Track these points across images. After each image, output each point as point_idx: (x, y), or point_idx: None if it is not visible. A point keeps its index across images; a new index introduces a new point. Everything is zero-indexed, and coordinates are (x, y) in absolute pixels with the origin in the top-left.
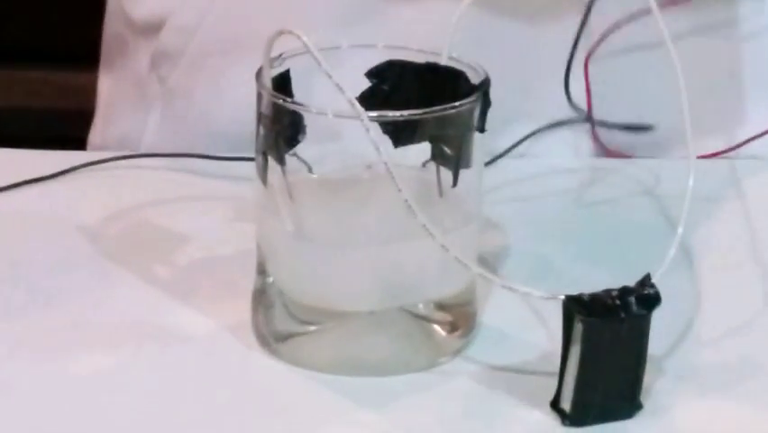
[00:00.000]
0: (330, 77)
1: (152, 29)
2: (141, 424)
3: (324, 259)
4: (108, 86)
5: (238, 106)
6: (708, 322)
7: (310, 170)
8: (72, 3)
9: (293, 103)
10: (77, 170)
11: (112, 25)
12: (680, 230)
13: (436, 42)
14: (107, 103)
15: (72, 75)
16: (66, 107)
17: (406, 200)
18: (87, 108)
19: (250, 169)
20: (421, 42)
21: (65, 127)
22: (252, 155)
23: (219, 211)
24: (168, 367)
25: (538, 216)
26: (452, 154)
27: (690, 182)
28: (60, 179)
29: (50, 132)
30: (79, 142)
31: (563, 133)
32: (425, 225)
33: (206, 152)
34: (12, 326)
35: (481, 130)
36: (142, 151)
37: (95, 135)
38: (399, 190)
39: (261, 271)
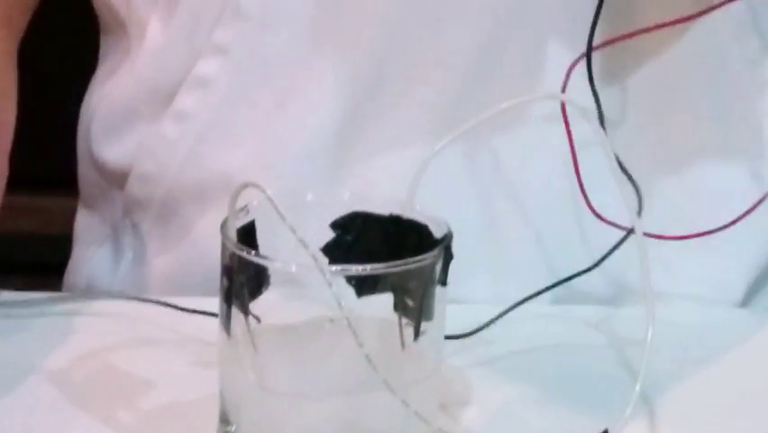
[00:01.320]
0: (293, 232)
1: (121, 177)
2: None
3: (287, 410)
4: (84, 225)
5: (212, 254)
6: None
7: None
8: (54, 130)
9: (257, 256)
10: (44, 312)
11: (84, 169)
12: (637, 387)
13: (401, 194)
14: (83, 242)
15: (54, 200)
16: (48, 232)
17: (367, 355)
18: (69, 233)
19: (215, 313)
20: (387, 192)
21: (47, 253)
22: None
23: (184, 355)
24: None
25: (500, 364)
26: (413, 306)
27: (649, 336)
28: (26, 320)
29: (34, 257)
30: (61, 268)
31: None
32: (385, 380)
33: (180, 297)
34: None
35: (443, 283)
36: (112, 292)
37: (70, 276)
38: (360, 346)
39: (224, 419)
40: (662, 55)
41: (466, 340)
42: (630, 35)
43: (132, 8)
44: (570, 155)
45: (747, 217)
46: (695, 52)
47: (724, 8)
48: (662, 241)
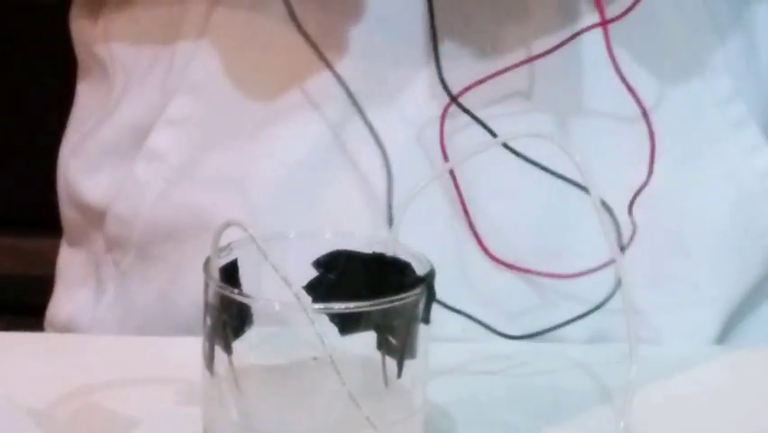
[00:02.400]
0: (276, 270)
1: (100, 216)
2: None
3: None
4: (67, 263)
5: (193, 291)
6: None
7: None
8: (34, 170)
9: (240, 294)
10: (25, 351)
11: (67, 211)
12: (622, 424)
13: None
14: (65, 279)
15: (38, 241)
16: (32, 273)
17: (350, 393)
18: (52, 274)
19: (198, 351)
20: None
21: (29, 293)
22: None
23: (167, 394)
24: None
25: (483, 403)
26: (397, 344)
27: (632, 373)
28: (7, 359)
29: (16, 298)
30: (43, 309)
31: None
32: (368, 419)
33: (162, 336)
34: None
35: (426, 321)
36: (92, 330)
37: (52, 312)
38: (344, 384)
39: None
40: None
41: (449, 377)
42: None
43: (114, 55)
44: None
45: (718, 263)
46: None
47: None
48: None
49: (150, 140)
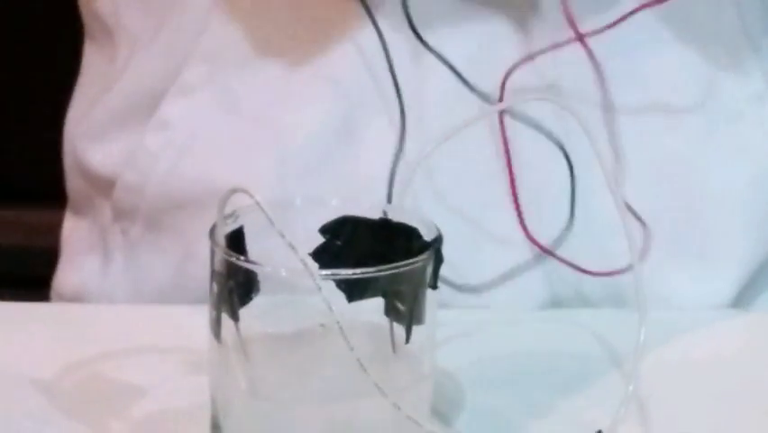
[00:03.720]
0: (283, 236)
1: (107, 185)
2: None
3: (278, 417)
4: (72, 232)
5: (203, 261)
6: None
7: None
8: (41, 142)
9: (246, 261)
10: (32, 321)
11: (73, 179)
12: (630, 387)
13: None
14: (71, 249)
15: (40, 213)
16: (35, 245)
17: (359, 359)
18: (55, 247)
19: (205, 319)
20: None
21: (32, 266)
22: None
23: (174, 363)
24: None
25: (492, 368)
26: (404, 310)
27: (641, 338)
28: (13, 330)
29: (18, 270)
30: (46, 282)
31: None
32: (376, 384)
33: (170, 304)
34: None
35: (434, 287)
36: (101, 299)
37: (58, 282)
38: (351, 349)
39: (215, 425)
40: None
41: (457, 343)
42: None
43: (119, 18)
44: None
45: (734, 236)
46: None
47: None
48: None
49: (162, 109)
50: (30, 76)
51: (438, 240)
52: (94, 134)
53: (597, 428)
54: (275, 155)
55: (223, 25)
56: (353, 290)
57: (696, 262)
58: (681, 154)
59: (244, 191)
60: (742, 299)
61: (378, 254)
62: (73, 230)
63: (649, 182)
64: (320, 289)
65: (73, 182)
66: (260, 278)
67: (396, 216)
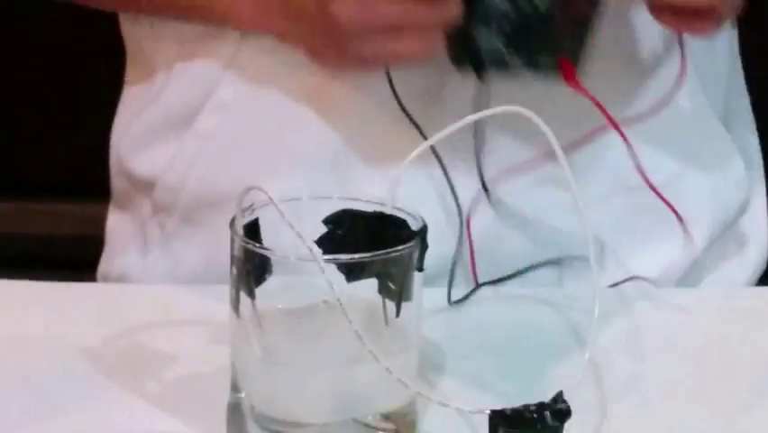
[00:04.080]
0: (292, 227)
1: (148, 186)
2: None
3: (288, 379)
4: (116, 224)
5: (227, 250)
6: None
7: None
8: (90, 144)
9: (261, 248)
10: (80, 298)
11: (117, 180)
12: (586, 355)
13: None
14: (114, 239)
15: (88, 207)
16: (83, 234)
17: (356, 331)
18: (101, 236)
19: (227, 297)
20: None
21: (80, 253)
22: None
23: (200, 334)
24: None
25: (469, 338)
26: (395, 289)
27: (596, 311)
28: (64, 306)
29: (69, 257)
30: (93, 266)
31: None
32: (371, 352)
33: (199, 285)
34: (27, 414)
35: (420, 269)
36: (140, 282)
37: (102, 266)
38: (350, 322)
39: (235, 387)
40: None
41: (440, 317)
42: None
43: (157, 46)
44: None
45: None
46: None
47: None
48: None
49: (198, 122)
50: (82, 93)
51: (423, 230)
52: (136, 144)
53: (559, 389)
54: (297, 161)
55: (252, 57)
56: (352, 272)
57: (647, 242)
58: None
59: (259, 189)
60: (686, 278)
61: (372, 242)
62: (116, 222)
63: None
64: (323, 271)
65: (117, 183)
66: (272, 262)
67: (388, 210)
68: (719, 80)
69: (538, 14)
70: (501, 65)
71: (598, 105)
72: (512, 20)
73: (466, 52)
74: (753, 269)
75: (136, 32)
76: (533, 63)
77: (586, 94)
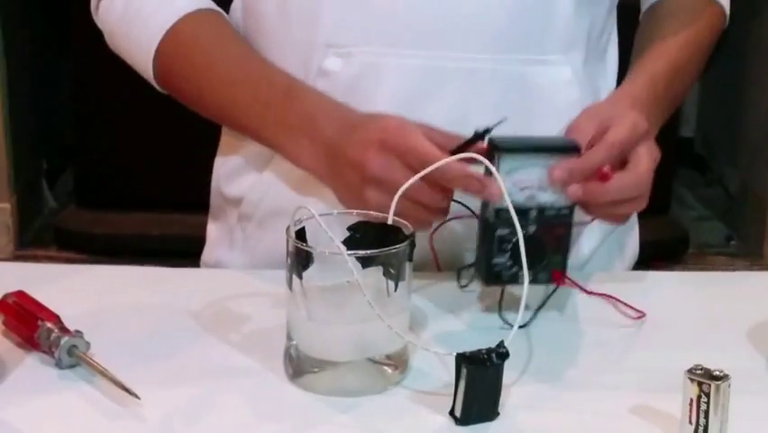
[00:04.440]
0: (327, 232)
1: (236, 202)
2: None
3: (323, 332)
4: (212, 230)
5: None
6: (542, 367)
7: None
8: (197, 174)
9: (306, 246)
10: (187, 278)
11: (215, 197)
12: (518, 317)
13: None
14: (212, 239)
15: (194, 216)
16: (191, 235)
17: (369, 301)
18: (203, 236)
19: (284, 278)
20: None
21: (190, 247)
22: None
23: (266, 302)
24: (233, 386)
25: (444, 307)
26: (394, 273)
27: (524, 297)
28: (181, 284)
29: (181, 250)
30: (197, 257)
31: None
32: (378, 315)
33: (267, 269)
34: (153, 354)
35: (410, 260)
36: (228, 267)
37: (204, 257)
38: (364, 295)
39: (289, 337)
40: None
41: (423, 291)
42: None
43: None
44: None
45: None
46: None
47: None
48: None
49: (272, 164)
50: (191, 139)
51: (413, 234)
52: (229, 174)
53: (500, 340)
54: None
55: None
56: (366, 262)
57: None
58: None
59: (305, 208)
60: (582, 266)
61: (380, 241)
62: (213, 228)
63: None
64: (348, 261)
65: (214, 200)
66: (313, 255)
67: (389, 221)
68: None
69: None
70: (513, 279)
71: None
72: (515, 247)
73: (489, 273)
74: (628, 260)
75: None
76: (535, 279)
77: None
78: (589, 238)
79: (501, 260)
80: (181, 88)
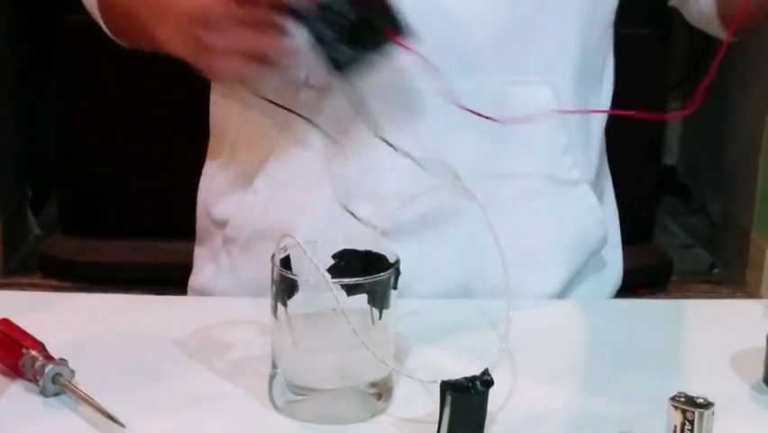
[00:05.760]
0: (311, 260)
1: (222, 225)
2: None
3: (308, 359)
4: (199, 255)
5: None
6: (526, 395)
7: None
8: (180, 201)
9: (291, 274)
10: (173, 306)
11: (201, 221)
12: (503, 344)
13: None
14: (198, 263)
15: (179, 243)
16: (176, 262)
17: (353, 329)
18: (190, 263)
19: (269, 306)
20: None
21: (177, 275)
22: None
23: (252, 330)
24: (218, 413)
25: (426, 333)
26: (379, 301)
27: (509, 315)
28: (167, 311)
29: (167, 278)
30: (183, 283)
31: None
32: (363, 342)
33: (252, 297)
34: (138, 382)
35: (395, 288)
36: (215, 293)
37: (191, 282)
38: (349, 323)
39: (274, 365)
40: None
41: (407, 320)
42: None
43: (225, 126)
44: None
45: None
46: None
47: None
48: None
49: (255, 183)
50: (176, 160)
51: (397, 262)
52: (217, 194)
53: (485, 367)
54: (315, 215)
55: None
56: (351, 290)
57: (537, 270)
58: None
59: (290, 235)
60: (564, 293)
61: (364, 269)
62: (199, 253)
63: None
64: (332, 289)
65: (201, 222)
66: (298, 283)
67: (374, 249)
68: (596, 147)
69: (350, 17)
70: (354, 61)
71: (430, 65)
72: (339, 29)
73: (330, 64)
74: (611, 288)
75: (221, 113)
76: (371, 47)
77: (417, 54)
78: (557, 273)
79: (330, 46)
80: (111, 20)
